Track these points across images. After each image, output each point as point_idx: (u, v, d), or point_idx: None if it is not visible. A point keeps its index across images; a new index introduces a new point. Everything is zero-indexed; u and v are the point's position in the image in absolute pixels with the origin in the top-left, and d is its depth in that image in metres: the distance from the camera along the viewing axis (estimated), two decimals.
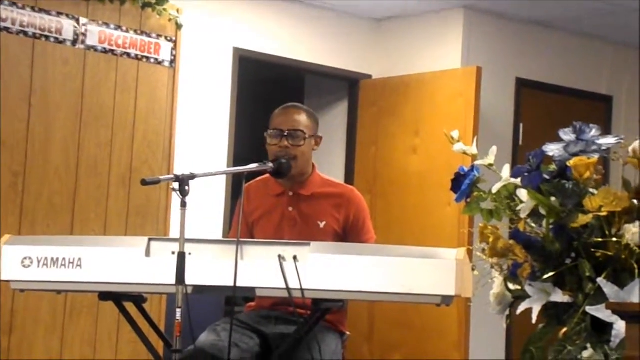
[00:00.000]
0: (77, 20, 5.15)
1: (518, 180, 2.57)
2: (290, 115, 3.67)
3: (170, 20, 5.45)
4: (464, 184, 2.63)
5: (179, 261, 2.92)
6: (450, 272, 2.88)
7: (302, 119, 3.67)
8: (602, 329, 2.35)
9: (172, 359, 2.93)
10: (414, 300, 3.01)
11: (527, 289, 2.46)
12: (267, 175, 3.68)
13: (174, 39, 5.47)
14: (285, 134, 3.61)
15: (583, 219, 2.40)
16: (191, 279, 2.94)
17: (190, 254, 2.95)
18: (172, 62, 5.47)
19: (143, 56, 5.36)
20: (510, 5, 6.52)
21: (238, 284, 2.96)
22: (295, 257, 2.97)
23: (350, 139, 6.99)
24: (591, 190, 2.46)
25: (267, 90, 7.57)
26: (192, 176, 3.03)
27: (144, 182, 3.07)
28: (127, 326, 3.30)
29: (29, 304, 4.91)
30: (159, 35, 5.42)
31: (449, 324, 6.16)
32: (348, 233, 3.65)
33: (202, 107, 6.16)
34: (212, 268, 3.02)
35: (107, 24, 5.24)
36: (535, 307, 2.43)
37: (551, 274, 2.43)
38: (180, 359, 2.94)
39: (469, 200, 2.66)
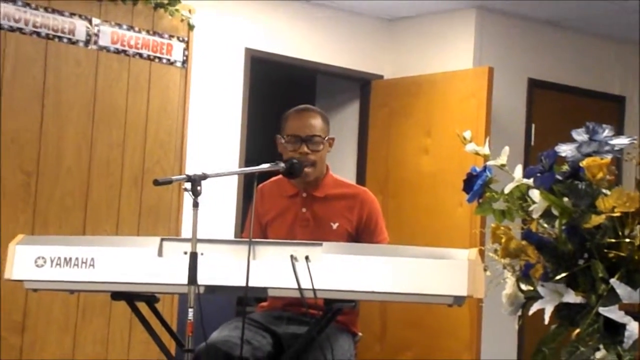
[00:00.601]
0: (90, 21, 5.17)
1: (530, 181, 2.56)
2: (305, 120, 3.66)
3: (182, 20, 5.46)
4: (476, 185, 2.63)
5: (191, 261, 2.92)
6: (462, 272, 2.88)
7: (318, 123, 3.66)
8: (614, 330, 2.35)
9: (184, 358, 2.93)
10: (426, 301, 3.00)
11: (540, 289, 2.45)
12: (281, 175, 3.68)
13: (186, 39, 5.48)
14: (304, 140, 3.61)
15: (596, 220, 2.39)
16: (203, 279, 2.95)
17: (202, 254, 2.95)
18: (184, 62, 5.48)
19: (155, 56, 5.38)
20: (522, 5, 6.51)
21: (250, 284, 2.96)
22: (307, 258, 2.97)
23: (362, 140, 6.99)
24: (604, 190, 2.45)
25: (278, 90, 7.58)
26: (204, 176, 3.04)
27: (156, 182, 3.08)
28: (140, 326, 3.31)
29: (42, 303, 4.93)
30: (171, 36, 5.43)
31: (461, 324, 6.15)
32: (361, 234, 3.65)
33: (214, 108, 6.17)
34: (224, 268, 3.03)
35: (119, 25, 5.25)
36: (547, 307, 2.43)
37: (564, 274, 2.42)
38: (193, 356, 2.94)
39: (481, 200, 2.65)
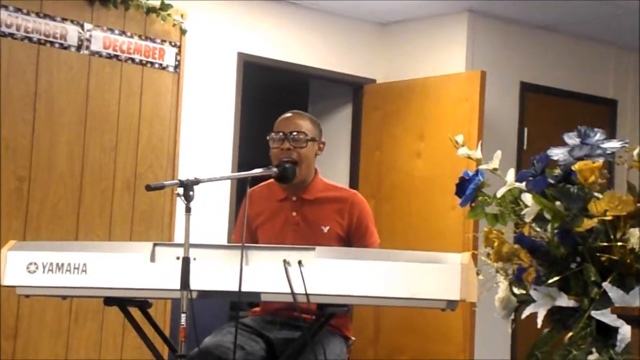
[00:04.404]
0: (82, 26, 5.16)
1: (523, 185, 2.56)
2: (292, 120, 3.70)
3: (174, 25, 5.46)
4: (468, 189, 2.63)
5: (184, 266, 2.92)
6: (455, 276, 2.88)
7: (304, 122, 3.70)
8: (607, 333, 2.35)
9: None
10: (419, 305, 3.00)
11: (532, 293, 2.45)
12: (272, 180, 3.68)
13: (178, 44, 5.48)
14: (287, 136, 3.63)
15: (588, 223, 2.39)
16: (196, 284, 2.94)
17: (195, 259, 2.95)
18: (177, 67, 5.48)
19: (147, 61, 5.37)
20: (514, 9, 6.52)
21: (243, 289, 2.96)
22: (300, 262, 2.97)
23: (355, 144, 6.99)
24: (596, 194, 2.46)
25: (271, 95, 7.58)
26: (197, 181, 3.04)
27: (149, 188, 3.07)
28: (132, 331, 3.31)
29: (34, 309, 4.92)
30: (163, 41, 5.43)
31: (454, 328, 6.15)
32: (351, 237, 3.65)
33: (207, 112, 6.16)
34: (217, 273, 3.02)
35: (111, 30, 5.25)
36: (540, 311, 2.43)
37: (556, 278, 2.42)
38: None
39: (473, 204, 2.66)
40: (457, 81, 6.45)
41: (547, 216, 2.46)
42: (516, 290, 2.55)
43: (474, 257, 2.87)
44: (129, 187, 5.28)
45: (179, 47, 5.49)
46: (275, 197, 3.71)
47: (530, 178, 2.53)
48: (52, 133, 5.06)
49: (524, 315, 2.50)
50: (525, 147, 6.76)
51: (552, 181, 2.51)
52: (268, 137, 3.70)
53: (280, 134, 3.65)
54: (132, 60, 5.33)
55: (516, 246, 2.50)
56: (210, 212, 5.99)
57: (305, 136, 3.65)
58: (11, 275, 3.12)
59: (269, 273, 2.99)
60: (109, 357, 5.15)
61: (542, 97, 6.92)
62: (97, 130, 5.20)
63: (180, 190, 2.99)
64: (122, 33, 5.29)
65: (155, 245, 3.08)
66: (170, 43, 5.45)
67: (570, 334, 2.39)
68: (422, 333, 6.30)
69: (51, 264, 3.08)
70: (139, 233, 5.26)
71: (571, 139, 2.53)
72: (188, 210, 2.97)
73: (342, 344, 3.59)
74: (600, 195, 2.44)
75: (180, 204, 3.03)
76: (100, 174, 5.20)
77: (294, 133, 3.64)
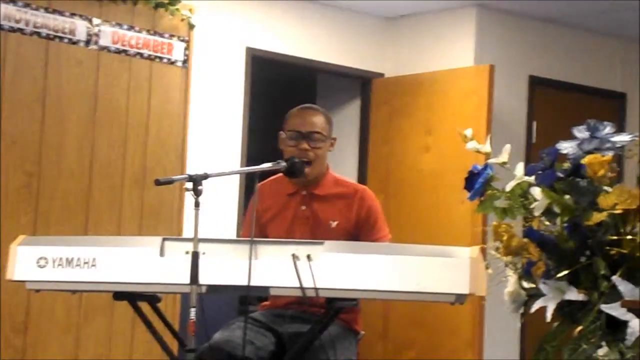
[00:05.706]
0: (90, 21, 5.17)
1: (532, 178, 2.56)
2: (307, 117, 3.67)
3: (182, 20, 5.46)
4: (477, 183, 2.63)
5: (193, 261, 2.92)
6: (464, 270, 2.88)
7: (320, 120, 3.67)
8: (617, 327, 2.35)
9: (186, 358, 2.93)
10: (428, 299, 3.00)
11: (542, 287, 2.45)
12: (281, 174, 3.68)
13: (186, 39, 5.48)
14: (304, 136, 3.61)
15: (597, 217, 2.39)
16: (205, 278, 2.95)
17: (204, 253, 2.95)
18: (185, 62, 5.48)
19: (156, 56, 5.38)
20: (522, 3, 6.50)
21: (252, 284, 2.96)
22: (308, 256, 2.97)
23: (363, 138, 6.99)
24: (605, 188, 2.46)
25: (279, 89, 7.58)
26: (206, 176, 3.04)
27: (158, 182, 3.08)
28: (142, 326, 3.31)
29: (43, 303, 4.93)
30: (171, 35, 5.43)
31: (463, 322, 6.15)
32: (360, 232, 3.64)
33: (215, 107, 6.16)
34: (226, 267, 3.02)
35: (120, 25, 5.25)
36: (549, 305, 2.43)
37: (565, 272, 2.42)
38: (195, 356, 2.94)
39: (482, 198, 2.66)
40: (466, 75, 6.44)
41: (557, 210, 2.46)
42: (525, 284, 2.55)
43: (483, 251, 2.87)
44: (138, 181, 5.29)
45: (188, 42, 5.49)
46: (285, 191, 3.71)
47: (540, 172, 2.53)
48: (61, 128, 5.07)
49: (533, 309, 2.50)
50: (534, 140, 6.74)
51: (561, 175, 2.51)
52: (281, 133, 3.68)
53: (297, 133, 3.64)
54: (141, 55, 5.33)
55: (525, 240, 2.50)
56: (219, 207, 6.00)
57: (322, 136, 3.64)
58: (21, 270, 3.13)
59: (277, 267, 3.00)
60: (119, 351, 5.16)
61: (551, 90, 6.91)
62: (106, 125, 5.21)
63: (189, 185, 2.99)
64: (131, 28, 5.30)
65: (164, 239, 3.08)
66: (178, 38, 5.46)
67: (580, 327, 2.39)
68: (430, 327, 6.30)
69: (61, 258, 3.09)
70: (148, 228, 5.27)
71: (580, 132, 2.53)
72: (197, 204, 2.97)
73: (351, 338, 3.59)
74: (609, 189, 2.44)
75: (189, 198, 3.03)
76: (109, 169, 5.21)
77: (312, 134, 3.63)
